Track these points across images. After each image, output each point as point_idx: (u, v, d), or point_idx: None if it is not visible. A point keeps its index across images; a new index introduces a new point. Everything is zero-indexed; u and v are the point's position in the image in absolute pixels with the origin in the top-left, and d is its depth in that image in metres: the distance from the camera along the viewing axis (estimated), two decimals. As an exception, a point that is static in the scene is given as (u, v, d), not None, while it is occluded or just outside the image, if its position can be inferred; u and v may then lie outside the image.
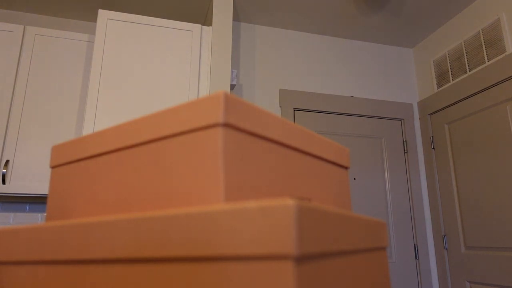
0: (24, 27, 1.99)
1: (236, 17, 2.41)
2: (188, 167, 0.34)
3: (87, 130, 1.73)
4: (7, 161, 1.80)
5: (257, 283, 0.22)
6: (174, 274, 0.27)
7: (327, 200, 0.44)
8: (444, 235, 2.33)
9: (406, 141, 2.53)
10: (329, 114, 2.46)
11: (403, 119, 2.58)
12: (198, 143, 0.33)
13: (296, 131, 0.41)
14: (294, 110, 2.40)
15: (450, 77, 2.37)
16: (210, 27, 2.03)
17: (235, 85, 2.15)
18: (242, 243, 0.23)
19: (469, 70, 2.23)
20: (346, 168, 0.50)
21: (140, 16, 1.94)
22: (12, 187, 1.80)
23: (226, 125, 0.31)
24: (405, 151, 2.53)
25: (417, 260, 2.35)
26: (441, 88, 2.44)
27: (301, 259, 0.22)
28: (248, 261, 0.22)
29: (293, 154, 0.40)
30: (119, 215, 0.34)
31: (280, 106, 2.36)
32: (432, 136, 2.49)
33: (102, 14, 1.89)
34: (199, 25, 2.01)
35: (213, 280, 0.24)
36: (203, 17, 2.34)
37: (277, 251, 0.21)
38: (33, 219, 2.07)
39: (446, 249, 2.31)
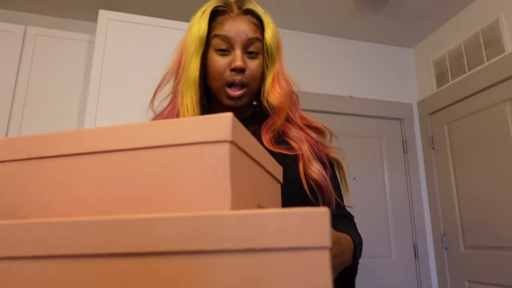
0: (25, 28, 2.00)
1: (236, 17, 2.42)
2: (194, 175, 0.39)
3: (88, 130, 1.73)
4: (8, 161, 1.81)
5: (297, 271, 0.31)
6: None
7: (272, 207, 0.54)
8: (444, 235, 2.33)
9: (405, 141, 2.54)
10: (329, 114, 2.46)
11: (402, 119, 2.58)
12: (206, 155, 0.39)
13: (265, 154, 0.52)
14: (294, 110, 2.40)
15: (450, 77, 2.37)
16: (210, 27, 2.04)
17: (235, 85, 2.15)
18: (288, 238, 0.32)
19: (469, 70, 2.24)
20: (280, 183, 0.61)
21: (141, 16, 1.95)
22: (13, 186, 1.81)
23: (231, 142, 0.38)
24: (405, 151, 2.53)
25: (416, 260, 2.36)
26: (440, 88, 2.44)
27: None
28: (291, 252, 0.32)
29: (260, 171, 0.50)
30: (126, 215, 0.35)
31: (280, 106, 2.36)
32: (432, 136, 2.49)
33: (103, 14, 1.90)
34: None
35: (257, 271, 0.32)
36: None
37: (318, 244, 0.31)
38: (34, 219, 2.08)
39: (446, 248, 2.31)
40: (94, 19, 2.36)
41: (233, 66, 0.76)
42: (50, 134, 0.45)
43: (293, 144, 0.77)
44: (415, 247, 2.38)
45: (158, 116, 0.85)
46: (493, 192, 2.02)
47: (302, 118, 0.85)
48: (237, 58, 0.76)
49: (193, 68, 0.76)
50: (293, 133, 0.78)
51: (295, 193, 0.74)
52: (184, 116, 0.75)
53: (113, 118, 1.77)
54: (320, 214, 0.32)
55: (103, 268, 0.35)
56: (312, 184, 0.74)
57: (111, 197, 0.41)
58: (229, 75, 0.77)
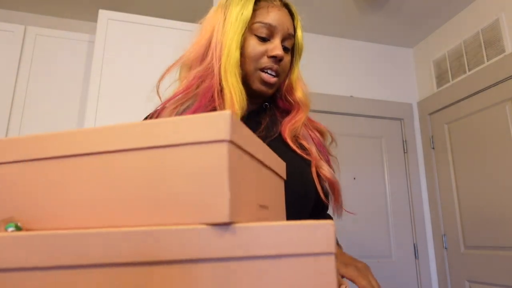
0: (25, 27, 1.99)
1: (236, 17, 2.41)
2: (191, 177, 0.37)
3: (88, 130, 1.73)
4: (8, 161, 1.81)
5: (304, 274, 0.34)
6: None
7: (275, 206, 0.54)
8: (444, 235, 2.33)
9: (405, 141, 2.54)
10: (329, 114, 2.46)
11: (402, 119, 2.58)
12: (204, 156, 0.37)
13: (265, 150, 0.50)
14: (294, 110, 2.40)
15: (450, 77, 2.37)
16: (210, 27, 2.04)
17: (235, 85, 2.15)
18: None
19: (469, 70, 2.24)
20: (283, 179, 0.60)
21: (141, 16, 1.95)
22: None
23: (230, 141, 0.36)
24: (405, 151, 2.53)
25: (416, 260, 2.36)
26: (440, 88, 2.44)
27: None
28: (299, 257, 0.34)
29: (262, 169, 0.48)
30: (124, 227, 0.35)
31: (280, 106, 2.36)
32: (432, 136, 2.49)
33: (103, 14, 1.90)
34: (200, 25, 2.01)
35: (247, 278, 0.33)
36: (204, 17, 2.34)
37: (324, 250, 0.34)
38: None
39: (446, 248, 2.31)
40: (94, 19, 2.36)
41: (274, 53, 0.75)
42: (43, 134, 0.42)
43: (304, 143, 0.78)
44: (415, 247, 2.38)
45: (168, 101, 0.83)
46: (493, 192, 2.02)
47: (308, 119, 0.87)
48: (278, 46, 0.76)
49: (235, 47, 0.75)
50: (303, 132, 0.79)
51: (310, 197, 0.75)
52: (231, 95, 0.73)
53: (113, 118, 1.76)
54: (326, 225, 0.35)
55: (101, 278, 0.35)
56: (327, 185, 0.76)
57: (105, 199, 0.39)
58: (266, 62, 0.76)
